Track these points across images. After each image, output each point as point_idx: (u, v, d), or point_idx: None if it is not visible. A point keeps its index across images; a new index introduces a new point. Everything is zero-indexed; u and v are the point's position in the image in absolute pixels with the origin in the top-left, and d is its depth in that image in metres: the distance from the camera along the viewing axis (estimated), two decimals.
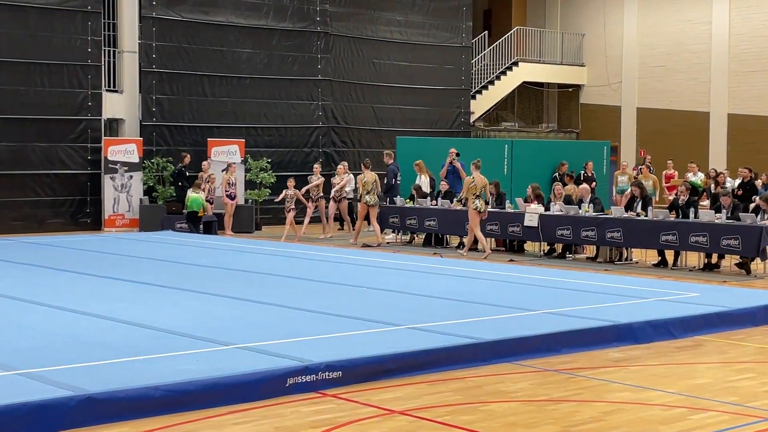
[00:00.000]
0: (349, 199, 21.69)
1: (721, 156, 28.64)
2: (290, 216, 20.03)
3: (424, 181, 20.11)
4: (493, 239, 18.14)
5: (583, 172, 22.00)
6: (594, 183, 21.37)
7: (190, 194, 19.94)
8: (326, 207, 21.20)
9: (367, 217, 19.31)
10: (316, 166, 21.31)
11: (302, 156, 24.75)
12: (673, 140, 29.39)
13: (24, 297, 10.66)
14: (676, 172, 25.01)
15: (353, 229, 20.08)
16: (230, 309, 10.04)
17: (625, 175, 23.60)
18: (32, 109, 21.34)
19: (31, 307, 10.04)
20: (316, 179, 20.74)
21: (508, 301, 10.73)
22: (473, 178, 16.86)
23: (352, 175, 21.44)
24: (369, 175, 18.98)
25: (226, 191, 21.28)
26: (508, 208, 17.65)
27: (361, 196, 19.06)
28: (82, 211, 22.10)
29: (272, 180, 23.19)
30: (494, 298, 10.97)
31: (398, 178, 20.84)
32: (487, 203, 17.08)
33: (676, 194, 16.84)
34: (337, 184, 21.09)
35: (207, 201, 20.60)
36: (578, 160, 22.09)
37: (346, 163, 21.62)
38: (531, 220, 16.69)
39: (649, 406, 6.90)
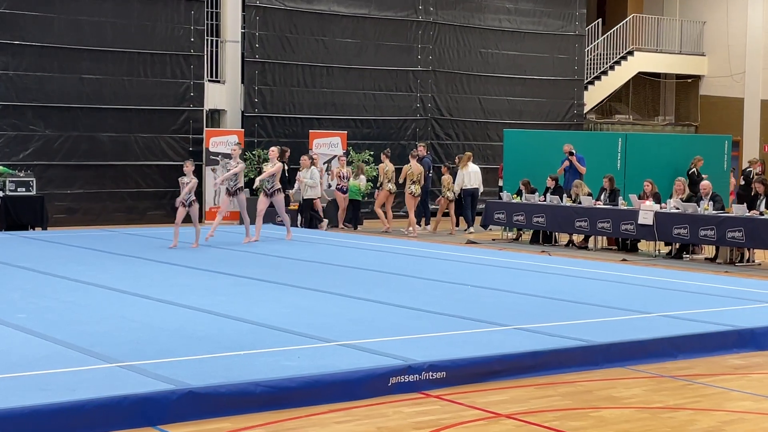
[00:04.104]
0: (315, 197, 20.46)
1: None
2: (181, 213, 15.63)
3: (461, 174, 20.99)
4: (604, 237, 17.90)
5: (753, 170, 21.51)
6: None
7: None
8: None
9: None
10: (273, 148, 18.26)
11: (399, 149, 24.81)
12: None
13: (126, 289, 10.96)
14: None
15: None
16: (331, 305, 10.14)
17: None
18: (135, 99, 21.90)
19: (133, 299, 10.31)
20: (271, 166, 17.36)
21: (621, 302, 10.57)
22: (410, 165, 19.94)
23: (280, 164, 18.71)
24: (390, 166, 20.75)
25: (338, 185, 21.46)
26: (621, 204, 17.38)
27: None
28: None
29: (374, 173, 23.32)
30: (606, 299, 10.83)
31: (430, 171, 21.60)
32: (421, 190, 20.19)
33: None
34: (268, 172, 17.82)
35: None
36: (696, 155, 21.56)
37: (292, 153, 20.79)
38: (645, 218, 16.40)
39: None
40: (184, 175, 15.70)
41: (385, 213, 20.84)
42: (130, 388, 6.33)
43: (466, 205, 21.24)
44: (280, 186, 17.27)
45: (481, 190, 21.76)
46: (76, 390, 6.27)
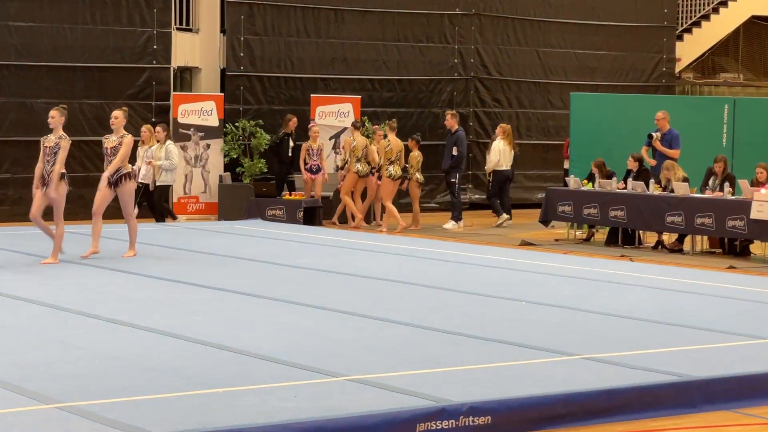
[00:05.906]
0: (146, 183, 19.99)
1: None
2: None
3: (498, 149, 21.45)
4: (705, 237, 17.85)
5: None
6: None
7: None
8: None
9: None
10: (116, 112, 15.24)
11: (431, 119, 24.79)
12: None
13: (68, 306, 11.00)
14: None
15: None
16: (339, 327, 10.16)
17: None
18: (79, 54, 21.96)
19: (77, 319, 10.35)
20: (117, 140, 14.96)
21: (726, 324, 10.55)
22: (389, 141, 20.49)
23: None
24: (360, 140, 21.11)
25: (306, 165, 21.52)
26: (727, 193, 17.30)
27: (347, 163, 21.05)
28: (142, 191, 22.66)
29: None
30: (707, 319, 10.81)
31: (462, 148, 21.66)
32: (404, 171, 20.67)
33: None
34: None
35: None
36: None
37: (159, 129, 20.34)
38: (760, 212, 16.34)
39: None
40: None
41: (355, 202, 21.10)
42: None
43: (496, 190, 21.42)
44: (129, 170, 14.99)
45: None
46: None
